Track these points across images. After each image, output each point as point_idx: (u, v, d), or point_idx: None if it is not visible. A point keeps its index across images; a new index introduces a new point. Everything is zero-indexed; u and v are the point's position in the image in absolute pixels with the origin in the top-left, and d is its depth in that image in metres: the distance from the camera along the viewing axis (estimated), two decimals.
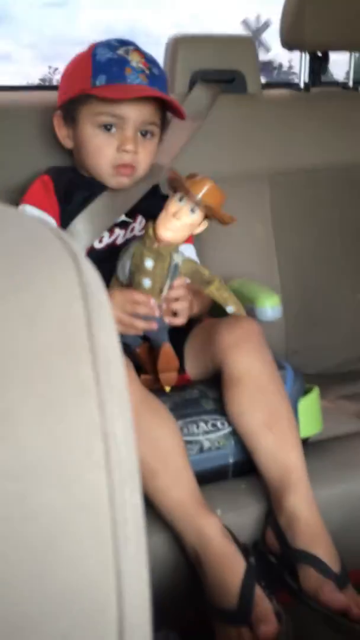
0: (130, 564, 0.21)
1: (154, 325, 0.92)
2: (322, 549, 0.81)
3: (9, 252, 0.23)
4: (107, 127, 0.99)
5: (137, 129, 0.99)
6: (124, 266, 0.95)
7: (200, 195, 0.88)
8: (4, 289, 0.21)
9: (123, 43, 1.00)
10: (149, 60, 1.00)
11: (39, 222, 0.26)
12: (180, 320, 0.94)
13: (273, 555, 0.84)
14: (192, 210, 0.89)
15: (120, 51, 0.98)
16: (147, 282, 0.91)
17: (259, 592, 0.75)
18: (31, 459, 0.20)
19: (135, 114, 0.98)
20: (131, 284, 0.94)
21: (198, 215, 0.89)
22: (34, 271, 0.22)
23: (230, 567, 0.77)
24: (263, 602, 0.75)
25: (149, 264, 0.91)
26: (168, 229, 0.89)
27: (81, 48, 1.06)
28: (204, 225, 0.93)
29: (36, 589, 0.20)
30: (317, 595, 0.79)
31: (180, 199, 0.89)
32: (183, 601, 0.83)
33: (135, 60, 0.98)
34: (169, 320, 0.94)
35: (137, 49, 1.00)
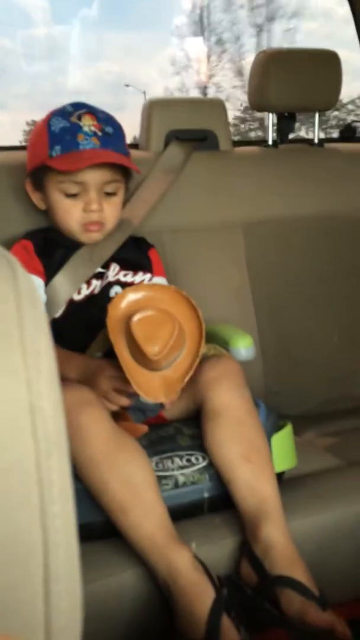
0: (56, 521, 0.25)
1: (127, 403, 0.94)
2: (301, 574, 0.83)
3: None
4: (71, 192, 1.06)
5: (100, 189, 1.06)
6: None
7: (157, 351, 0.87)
8: None
9: (76, 107, 1.07)
10: (102, 120, 1.07)
11: None
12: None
13: (248, 586, 0.86)
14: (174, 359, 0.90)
15: (74, 117, 1.05)
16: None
17: (226, 622, 0.76)
18: None
19: (95, 178, 1.05)
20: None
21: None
22: None
23: (199, 598, 0.78)
24: (230, 632, 0.76)
25: None
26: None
27: (74, 97, 1.13)
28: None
29: None
30: (302, 617, 0.80)
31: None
32: (157, 635, 0.84)
33: (87, 125, 1.05)
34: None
35: (90, 112, 1.07)
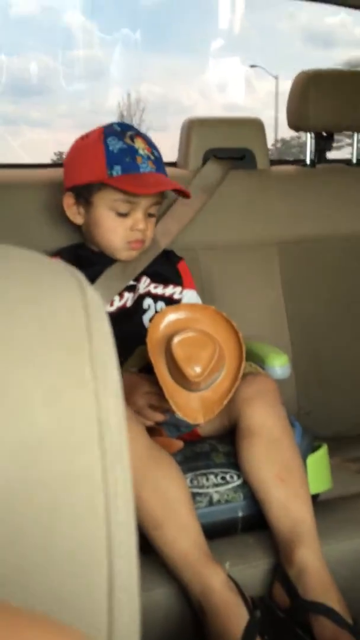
0: (120, 530, 0.26)
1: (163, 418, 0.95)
2: (335, 601, 0.81)
3: (28, 276, 0.28)
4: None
5: (146, 210, 1.10)
6: None
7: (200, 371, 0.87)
8: (24, 301, 0.26)
9: (123, 127, 1.10)
10: (150, 144, 1.11)
11: (51, 259, 0.33)
12: None
13: (281, 609, 0.85)
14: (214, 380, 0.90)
15: (127, 139, 1.08)
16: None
17: None
18: (41, 434, 0.25)
19: (147, 200, 1.09)
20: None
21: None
22: (47, 290, 0.28)
23: (232, 618, 0.77)
24: None
25: None
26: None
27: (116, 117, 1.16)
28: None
29: (42, 540, 0.24)
30: None
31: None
32: None
33: (141, 148, 1.08)
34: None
35: (138, 134, 1.11)
